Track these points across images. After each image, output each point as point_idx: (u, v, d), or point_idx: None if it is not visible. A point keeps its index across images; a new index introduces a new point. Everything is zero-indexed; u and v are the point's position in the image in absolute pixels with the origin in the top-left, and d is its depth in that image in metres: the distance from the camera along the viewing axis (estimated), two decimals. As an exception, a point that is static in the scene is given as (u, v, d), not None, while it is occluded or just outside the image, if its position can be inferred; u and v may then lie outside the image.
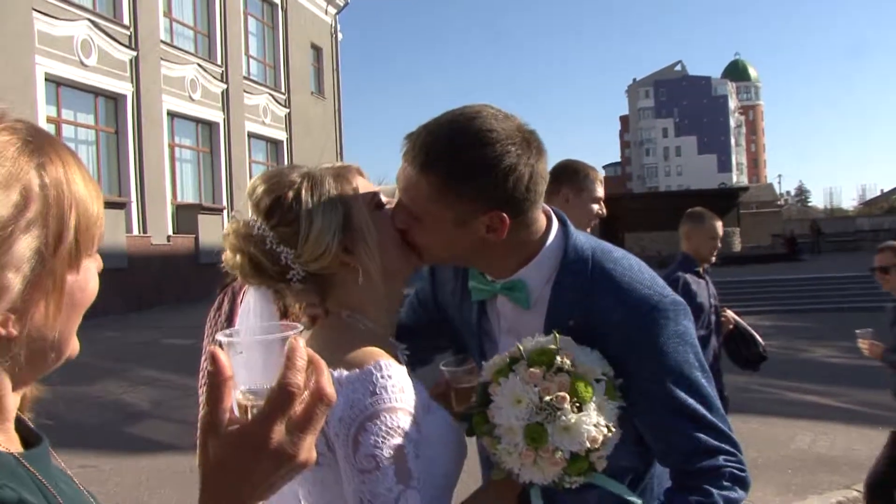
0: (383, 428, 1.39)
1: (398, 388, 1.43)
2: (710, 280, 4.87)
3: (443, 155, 1.53)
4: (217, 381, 0.87)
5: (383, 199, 1.64)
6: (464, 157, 1.52)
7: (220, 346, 0.92)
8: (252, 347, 0.95)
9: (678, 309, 1.63)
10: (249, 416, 0.90)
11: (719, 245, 4.89)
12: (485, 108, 1.57)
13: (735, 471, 1.62)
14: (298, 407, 0.89)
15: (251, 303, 1.63)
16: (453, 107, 1.61)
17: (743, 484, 1.63)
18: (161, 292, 20.20)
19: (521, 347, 1.59)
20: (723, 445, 1.63)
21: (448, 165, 1.53)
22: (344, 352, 1.49)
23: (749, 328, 5.04)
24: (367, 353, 1.47)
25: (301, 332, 0.96)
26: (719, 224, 4.88)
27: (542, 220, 1.70)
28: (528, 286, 1.69)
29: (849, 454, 6.77)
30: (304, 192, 1.55)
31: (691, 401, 1.61)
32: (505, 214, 1.57)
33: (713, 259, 4.88)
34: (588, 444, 1.50)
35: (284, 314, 1.69)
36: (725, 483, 1.60)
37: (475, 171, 1.53)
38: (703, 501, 1.59)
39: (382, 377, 1.43)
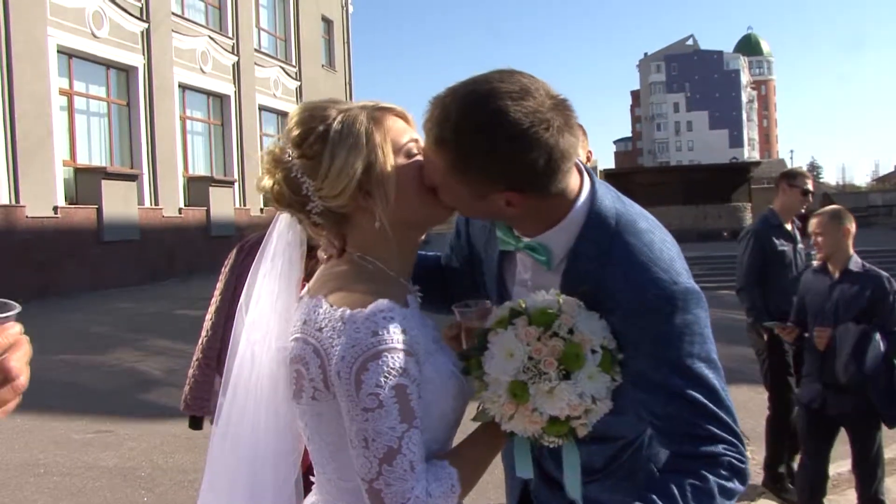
0: (384, 368, 1.42)
1: (400, 329, 1.45)
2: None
3: (453, 137, 1.47)
4: None
5: (415, 148, 1.61)
6: (473, 143, 1.46)
7: None
8: None
9: (688, 298, 1.54)
10: None
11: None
12: (504, 82, 1.46)
13: (734, 461, 1.56)
14: None
15: (274, 240, 1.70)
16: (464, 76, 1.51)
17: (741, 476, 1.57)
18: (173, 264, 20.32)
19: (525, 303, 1.57)
20: (724, 435, 1.56)
21: (458, 149, 1.48)
22: (350, 291, 1.52)
23: None
24: (371, 293, 1.49)
25: (15, 313, 1.01)
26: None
27: (573, 185, 1.62)
28: (552, 250, 1.65)
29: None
30: (333, 128, 1.55)
31: (691, 391, 1.54)
32: (522, 194, 1.53)
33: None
34: (568, 411, 1.50)
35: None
36: (723, 472, 1.55)
37: (485, 157, 1.47)
38: (697, 486, 1.53)
39: (385, 318, 1.45)
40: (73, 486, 5.83)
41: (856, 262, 4.49)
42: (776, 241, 5.44)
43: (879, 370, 4.28)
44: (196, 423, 3.99)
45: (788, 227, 5.52)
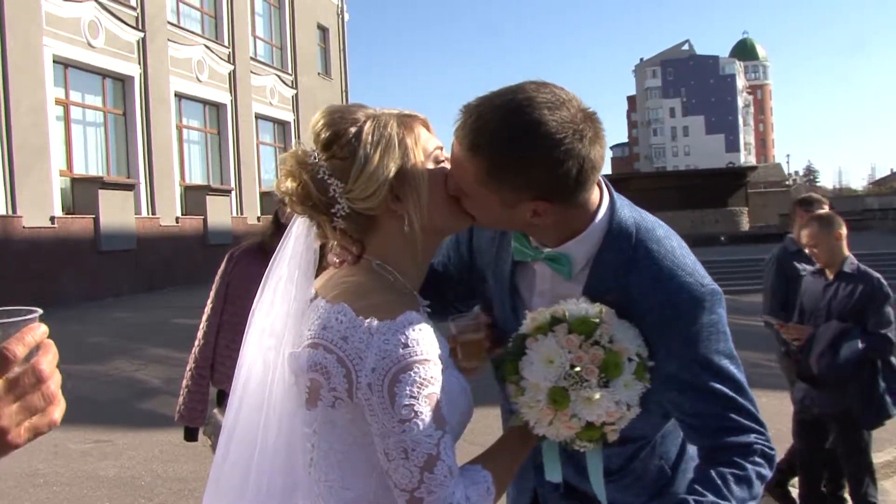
0: (417, 379, 1.43)
1: (428, 341, 1.47)
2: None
3: (489, 144, 1.49)
4: None
5: (441, 156, 1.63)
6: (510, 150, 1.49)
7: None
8: None
9: (714, 298, 1.62)
10: None
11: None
12: (539, 92, 1.50)
13: (765, 448, 1.64)
14: (12, 375, 0.94)
15: (291, 243, 1.68)
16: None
17: (771, 462, 1.65)
18: (170, 273, 20.30)
19: (566, 311, 1.60)
20: (752, 425, 1.64)
21: (493, 156, 1.50)
22: (375, 300, 1.51)
23: None
24: (398, 304, 1.50)
25: (38, 315, 0.99)
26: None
27: (595, 197, 1.67)
28: (573, 259, 1.68)
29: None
30: (365, 130, 1.56)
31: (720, 385, 1.63)
32: (552, 204, 1.56)
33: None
34: (605, 418, 1.55)
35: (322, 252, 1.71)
36: (757, 459, 1.63)
37: (521, 165, 1.49)
38: (737, 474, 1.60)
39: (413, 329, 1.46)
40: (72, 495, 5.82)
41: (850, 264, 4.57)
42: (798, 266, 5.53)
43: (861, 370, 4.35)
44: (191, 435, 3.97)
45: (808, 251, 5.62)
